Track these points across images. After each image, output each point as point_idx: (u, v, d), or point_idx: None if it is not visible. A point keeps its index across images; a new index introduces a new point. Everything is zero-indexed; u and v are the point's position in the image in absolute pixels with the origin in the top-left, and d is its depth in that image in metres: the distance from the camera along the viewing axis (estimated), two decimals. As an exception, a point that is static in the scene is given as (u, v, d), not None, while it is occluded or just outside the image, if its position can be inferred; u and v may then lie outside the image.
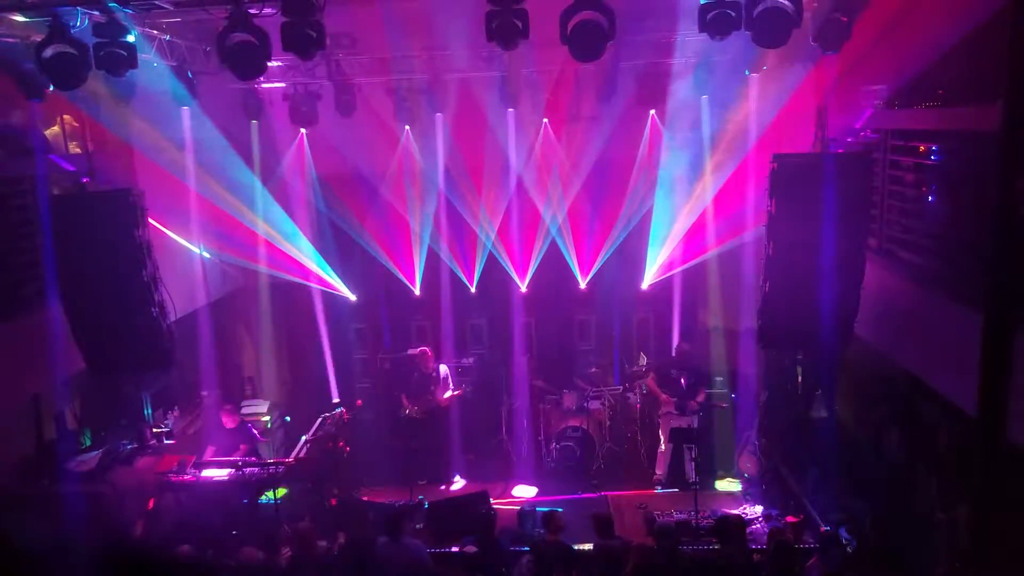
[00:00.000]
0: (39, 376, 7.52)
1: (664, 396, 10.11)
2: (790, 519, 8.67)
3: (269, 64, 6.43)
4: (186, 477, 8.50)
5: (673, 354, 10.75)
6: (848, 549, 7.36)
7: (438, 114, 10.44)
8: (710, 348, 11.02)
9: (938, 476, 7.11)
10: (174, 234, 9.80)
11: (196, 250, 10.46)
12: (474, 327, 12.38)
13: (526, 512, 8.33)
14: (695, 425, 9.82)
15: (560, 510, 7.83)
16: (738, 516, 8.02)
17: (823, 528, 8.08)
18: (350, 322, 12.11)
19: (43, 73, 6.37)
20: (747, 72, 9.18)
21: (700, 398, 10.05)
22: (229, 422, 9.49)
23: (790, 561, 6.55)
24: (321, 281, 11.51)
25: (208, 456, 9.28)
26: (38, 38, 6.32)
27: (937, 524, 6.80)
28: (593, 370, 11.49)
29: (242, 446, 9.37)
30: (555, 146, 11.11)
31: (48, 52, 6.20)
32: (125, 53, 6.47)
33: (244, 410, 10.83)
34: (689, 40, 8.75)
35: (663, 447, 10.16)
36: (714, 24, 6.12)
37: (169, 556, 6.51)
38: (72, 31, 6.27)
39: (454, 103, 10.25)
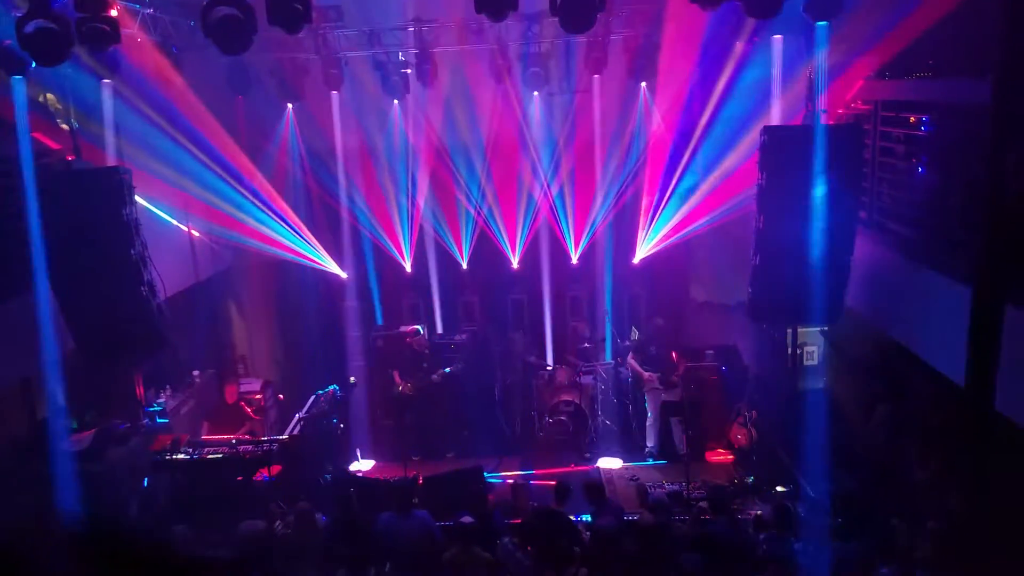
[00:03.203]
0: (29, 357, 7.47)
1: (647, 374, 10.19)
2: (779, 489, 8.79)
3: (255, 38, 6.34)
4: (179, 456, 8.51)
5: (649, 330, 10.80)
6: (837, 520, 7.45)
7: (427, 88, 10.34)
8: (701, 321, 11.06)
9: (927, 447, 7.19)
10: (162, 212, 9.71)
11: (185, 228, 10.38)
12: (466, 303, 12.38)
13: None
14: (682, 398, 9.91)
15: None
16: (727, 487, 8.11)
17: (812, 498, 8.18)
18: (342, 299, 12.08)
19: (24, 49, 6.27)
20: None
21: (681, 370, 10.12)
22: (231, 396, 9.62)
23: (789, 525, 6.64)
24: (312, 259, 11.46)
25: (204, 434, 9.33)
26: (19, 13, 6.21)
27: (924, 493, 6.89)
28: (585, 345, 11.53)
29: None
30: (546, 120, 11.03)
31: (29, 27, 6.10)
32: (108, 28, 6.37)
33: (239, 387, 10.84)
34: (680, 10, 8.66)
35: (650, 420, 10.26)
36: (705, -6, 6.07)
37: (164, 535, 6.53)
38: (54, 6, 6.16)
39: (443, 77, 10.14)
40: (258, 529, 7.07)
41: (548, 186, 11.33)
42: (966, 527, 5.37)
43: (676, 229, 10.88)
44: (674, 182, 10.54)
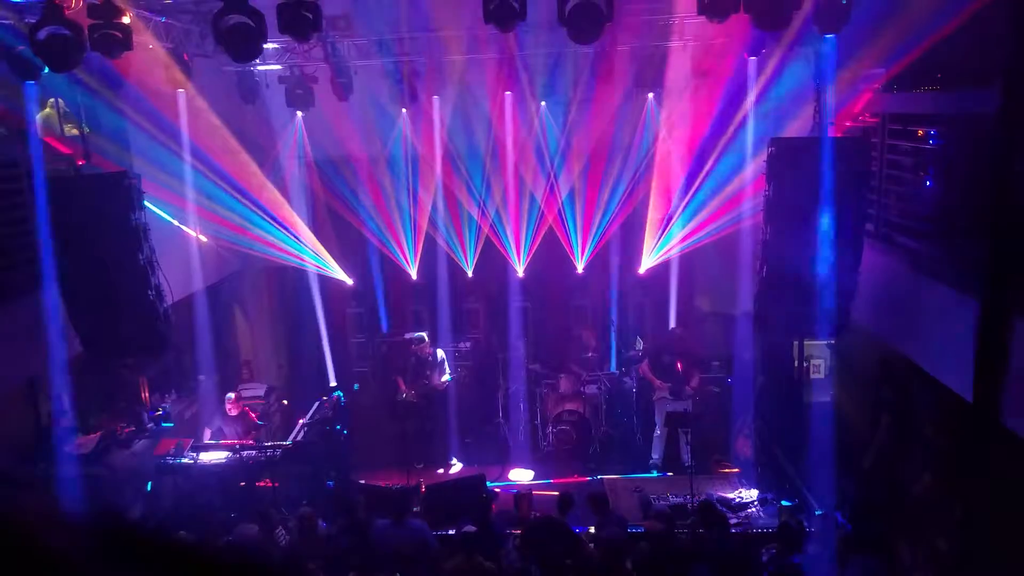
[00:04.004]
0: (36, 359, 7.50)
1: (658, 382, 10.14)
2: (784, 504, 8.74)
3: (265, 46, 6.39)
4: (184, 460, 8.53)
5: (666, 339, 10.77)
6: (843, 532, 7.41)
7: (435, 97, 10.38)
8: (706, 332, 11.04)
9: (932, 460, 7.15)
10: (171, 217, 9.76)
11: (193, 233, 10.42)
12: (471, 311, 12.39)
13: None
14: (690, 409, 9.86)
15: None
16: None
17: (818, 512, 8.15)
18: (347, 306, 12.10)
19: (37, 55, 6.32)
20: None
21: (694, 383, 10.08)
22: (233, 410, 9.58)
23: (795, 543, 6.60)
24: (318, 265, 11.49)
25: (206, 439, 9.34)
26: (32, 20, 6.27)
27: (929, 509, 6.85)
28: (590, 354, 11.52)
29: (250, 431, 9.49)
30: (552, 129, 11.06)
31: (42, 34, 6.15)
32: (120, 35, 6.42)
33: (241, 394, 10.84)
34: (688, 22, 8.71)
35: (658, 431, 10.21)
36: (713, 6, 6.09)
37: (167, 539, 6.52)
38: (66, 13, 6.22)
39: (451, 86, 10.18)
40: (252, 533, 7.06)
41: (554, 195, 11.34)
42: (971, 544, 5.33)
43: (682, 239, 10.88)
44: (689, 196, 10.51)
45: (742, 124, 9.50)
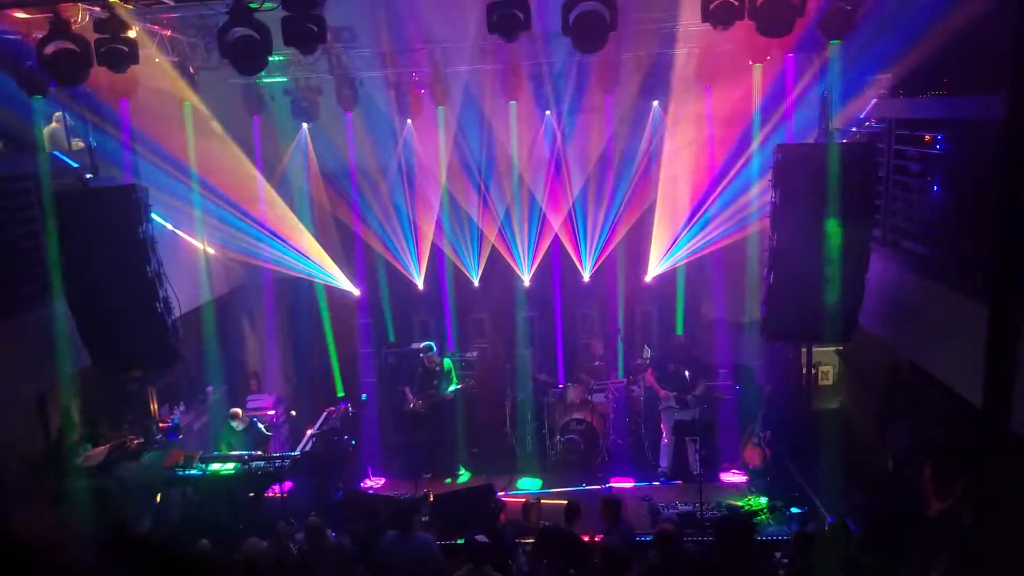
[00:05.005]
0: (45, 372, 7.54)
1: (663, 391, 10.11)
2: (794, 511, 8.69)
3: (270, 59, 6.42)
4: (193, 472, 8.53)
5: (672, 347, 10.74)
6: (854, 539, 7.35)
7: (440, 107, 10.41)
8: (714, 340, 11.00)
9: (941, 467, 7.10)
10: (178, 230, 9.80)
11: (200, 246, 10.45)
12: (477, 321, 12.38)
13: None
14: (697, 417, 9.83)
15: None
16: (744, 519, 7.96)
17: (829, 520, 8.09)
18: (354, 316, 12.10)
19: (44, 70, 6.37)
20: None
21: (699, 390, 10.03)
22: (239, 424, 9.62)
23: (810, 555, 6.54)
24: (324, 277, 11.50)
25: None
26: (39, 35, 6.32)
27: (940, 516, 6.79)
28: (597, 363, 11.49)
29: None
30: (558, 138, 11.07)
31: (49, 49, 6.20)
32: (127, 49, 6.47)
33: (249, 404, 10.86)
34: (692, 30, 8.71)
35: (666, 440, 10.17)
36: (717, 13, 6.10)
37: (177, 550, 6.52)
38: (73, 27, 6.27)
39: (456, 96, 10.21)
40: (259, 549, 7.03)
41: (559, 203, 11.33)
42: (982, 550, 5.28)
43: (689, 246, 10.83)
44: (704, 208, 10.45)
45: (749, 131, 9.49)
